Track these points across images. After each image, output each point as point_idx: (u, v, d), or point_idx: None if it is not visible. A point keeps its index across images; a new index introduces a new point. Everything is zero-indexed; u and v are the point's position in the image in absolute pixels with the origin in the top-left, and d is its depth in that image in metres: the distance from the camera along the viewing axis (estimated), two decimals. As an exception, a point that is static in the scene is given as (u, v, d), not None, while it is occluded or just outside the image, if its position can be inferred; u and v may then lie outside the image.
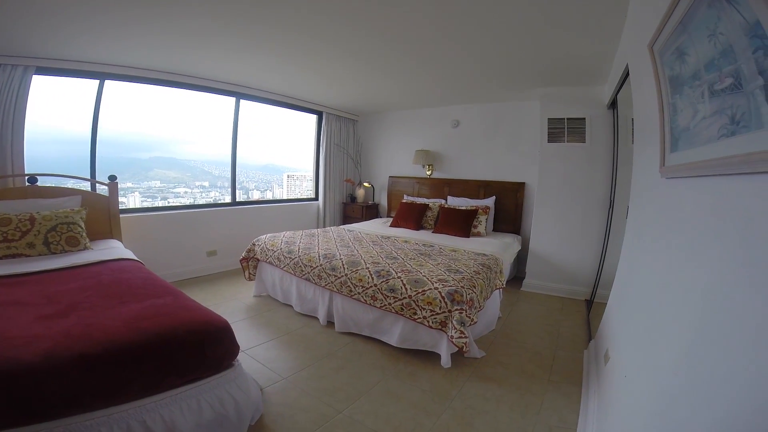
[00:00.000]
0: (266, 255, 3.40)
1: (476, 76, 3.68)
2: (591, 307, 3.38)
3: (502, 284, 3.09)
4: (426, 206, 4.65)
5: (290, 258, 3.16)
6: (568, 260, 3.90)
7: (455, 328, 2.22)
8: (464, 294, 2.34)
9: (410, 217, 4.55)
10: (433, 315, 2.31)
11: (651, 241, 1.50)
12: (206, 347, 1.50)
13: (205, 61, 3.42)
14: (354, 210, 5.73)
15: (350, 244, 3.49)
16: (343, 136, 5.84)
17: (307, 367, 2.32)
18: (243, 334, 2.72)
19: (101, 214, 3.22)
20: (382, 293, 2.53)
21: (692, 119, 0.99)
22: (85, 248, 2.73)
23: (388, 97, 4.78)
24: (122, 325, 1.45)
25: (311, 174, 5.85)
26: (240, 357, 2.34)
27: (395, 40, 2.76)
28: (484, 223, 4.19)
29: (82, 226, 2.79)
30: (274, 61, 3.40)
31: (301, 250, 3.18)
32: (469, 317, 2.29)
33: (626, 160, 2.85)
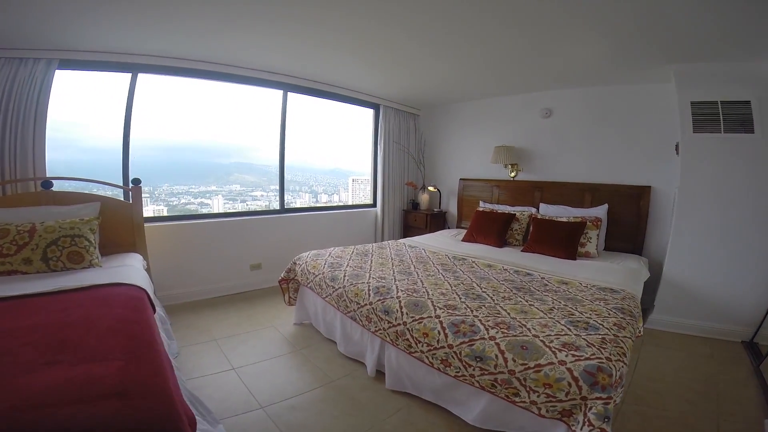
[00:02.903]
0: (307, 279, 2.72)
1: (578, 52, 2.79)
2: (765, 356, 2.33)
3: (640, 332, 2.09)
4: (511, 216, 3.66)
5: (333, 287, 2.44)
6: (717, 289, 2.88)
7: (591, 425, 1.29)
8: (614, 371, 1.38)
9: (490, 229, 3.61)
10: (550, 401, 1.40)
11: None
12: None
13: (249, 48, 2.97)
14: (417, 219, 4.91)
15: (412, 268, 2.68)
16: (403, 132, 5.07)
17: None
18: (274, 379, 2.19)
19: (124, 223, 2.78)
20: (460, 360, 1.65)
21: None
22: (91, 265, 2.26)
23: (456, 83, 3.94)
24: (10, 409, 0.80)
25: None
26: (261, 414, 1.81)
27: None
28: (594, 240, 3.12)
29: (91, 239, 2.33)
30: (324, 38, 2.75)
31: (347, 278, 2.43)
32: (615, 403, 1.35)
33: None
